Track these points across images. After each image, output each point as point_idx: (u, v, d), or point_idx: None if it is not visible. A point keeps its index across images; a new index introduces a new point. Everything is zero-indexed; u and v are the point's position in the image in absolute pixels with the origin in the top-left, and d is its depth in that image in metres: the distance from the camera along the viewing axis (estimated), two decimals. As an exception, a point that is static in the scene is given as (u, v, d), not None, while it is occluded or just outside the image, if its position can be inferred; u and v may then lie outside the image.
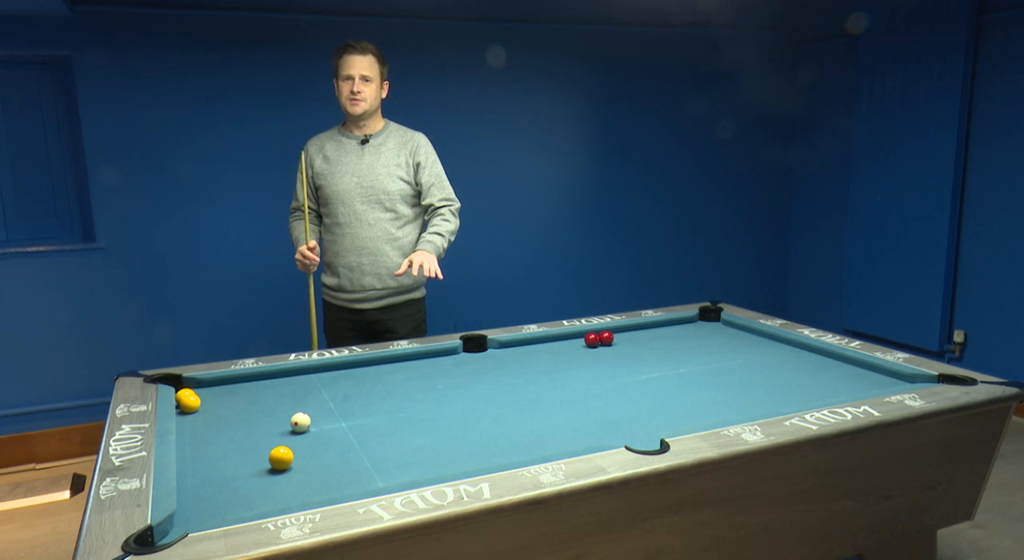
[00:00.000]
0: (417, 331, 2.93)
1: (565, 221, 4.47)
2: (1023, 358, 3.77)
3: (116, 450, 1.75)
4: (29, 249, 3.46)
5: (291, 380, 2.40)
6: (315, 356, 2.52)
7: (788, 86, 4.89)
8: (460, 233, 2.88)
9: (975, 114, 3.88)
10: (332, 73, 2.78)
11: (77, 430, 3.64)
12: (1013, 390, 2.07)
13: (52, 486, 3.32)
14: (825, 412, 1.92)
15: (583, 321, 2.94)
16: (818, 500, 1.91)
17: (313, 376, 2.43)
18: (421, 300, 2.97)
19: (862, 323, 4.49)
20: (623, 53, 4.40)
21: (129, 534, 1.36)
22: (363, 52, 2.70)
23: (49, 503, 3.21)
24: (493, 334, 2.74)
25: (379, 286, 2.83)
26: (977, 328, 3.99)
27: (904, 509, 2.07)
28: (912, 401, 1.98)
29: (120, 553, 1.31)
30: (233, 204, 3.75)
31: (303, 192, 2.82)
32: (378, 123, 2.85)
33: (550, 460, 1.66)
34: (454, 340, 2.69)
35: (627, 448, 1.71)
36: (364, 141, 2.80)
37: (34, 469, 3.56)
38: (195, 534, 1.37)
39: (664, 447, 1.71)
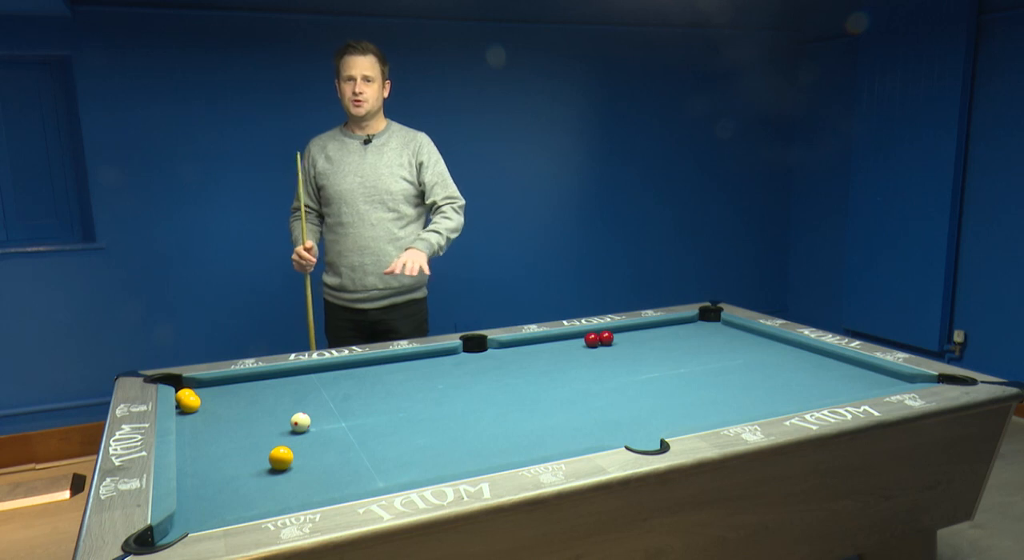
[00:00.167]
0: (419, 331, 2.93)
1: (565, 221, 4.47)
2: (1023, 358, 3.78)
3: (116, 450, 1.75)
4: (29, 249, 3.46)
5: (291, 380, 2.40)
6: (315, 356, 2.52)
7: (788, 86, 4.89)
8: (461, 233, 2.87)
9: (975, 114, 3.88)
10: (333, 73, 2.78)
11: (77, 430, 3.64)
12: (1013, 390, 2.07)
13: (52, 486, 3.32)
14: (825, 412, 1.92)
15: (583, 321, 2.94)
16: (818, 500, 1.91)
17: (313, 376, 2.43)
18: (423, 300, 2.97)
19: (862, 323, 4.49)
20: (623, 53, 4.41)
21: (129, 534, 1.36)
22: (364, 52, 2.69)
23: (49, 503, 3.21)
24: (493, 334, 2.74)
25: (381, 286, 2.83)
26: (977, 328, 3.99)
27: (904, 509, 2.07)
28: (912, 401, 1.98)
29: (120, 553, 1.31)
30: (233, 204, 3.75)
31: (302, 192, 2.83)
32: (380, 123, 2.84)
33: (550, 460, 1.66)
34: (454, 340, 2.69)
35: (627, 448, 1.71)
36: (367, 141, 2.80)
37: (34, 469, 3.56)
38: (195, 534, 1.37)
39: (664, 447, 1.71)
